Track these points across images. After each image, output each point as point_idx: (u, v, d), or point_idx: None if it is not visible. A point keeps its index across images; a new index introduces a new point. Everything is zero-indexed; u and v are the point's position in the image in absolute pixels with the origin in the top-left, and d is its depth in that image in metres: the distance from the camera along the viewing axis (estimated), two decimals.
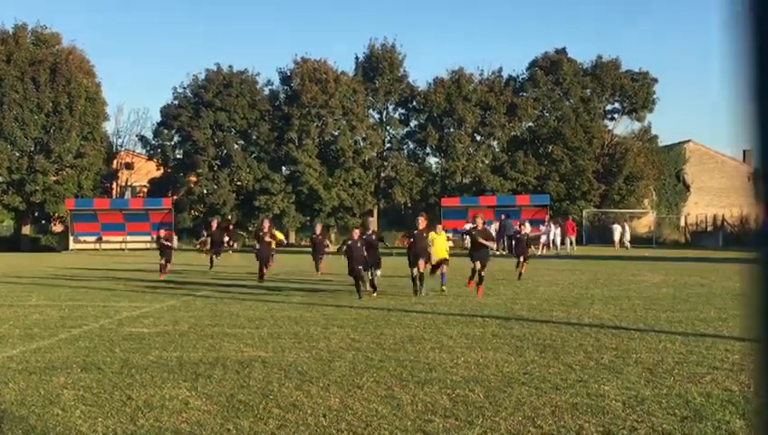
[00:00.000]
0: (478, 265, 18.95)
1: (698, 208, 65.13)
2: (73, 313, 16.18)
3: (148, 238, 48.78)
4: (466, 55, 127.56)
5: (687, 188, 67.19)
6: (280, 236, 28.51)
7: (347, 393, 8.34)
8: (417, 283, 18.89)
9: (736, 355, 10.30)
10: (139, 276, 26.64)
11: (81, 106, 59.57)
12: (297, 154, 59.19)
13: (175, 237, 53.67)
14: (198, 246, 36.30)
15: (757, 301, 0.56)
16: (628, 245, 50.36)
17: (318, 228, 29.31)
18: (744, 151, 71.75)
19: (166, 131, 62.76)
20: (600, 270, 27.98)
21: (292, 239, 60.64)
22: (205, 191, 61.09)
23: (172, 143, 63.48)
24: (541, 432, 6.92)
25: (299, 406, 7.79)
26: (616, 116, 65.70)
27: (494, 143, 63.34)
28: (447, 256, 19.90)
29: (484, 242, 19.56)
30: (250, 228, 28.62)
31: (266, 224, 25.68)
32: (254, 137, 61.45)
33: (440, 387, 8.62)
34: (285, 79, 62.99)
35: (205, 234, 32.32)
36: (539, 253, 41.45)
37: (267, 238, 24.30)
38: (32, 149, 59.44)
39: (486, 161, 62.53)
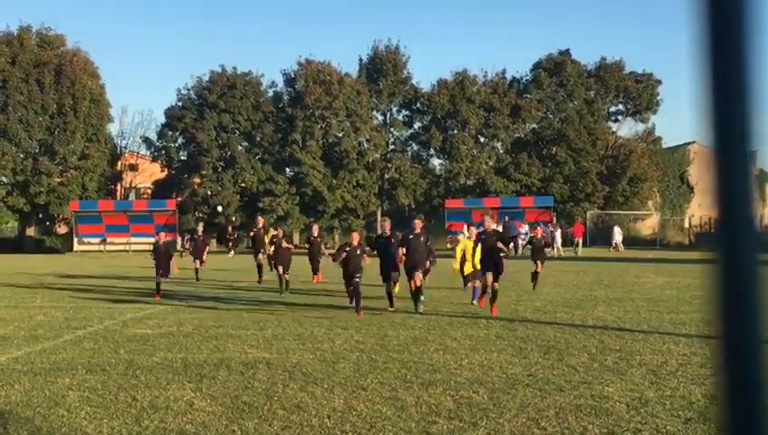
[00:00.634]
0: (489, 277, 15.75)
1: (702, 210, 65.01)
2: (78, 314, 16.22)
3: (153, 240, 48.92)
4: (470, 57, 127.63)
5: (691, 189, 67.10)
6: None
7: (351, 395, 8.36)
8: (416, 297, 16.07)
9: None
10: (143, 277, 26.67)
11: (85, 108, 59.68)
12: (301, 156, 59.23)
13: (178, 238, 53.76)
14: (181, 251, 33.17)
15: (715, 300, 0.57)
16: (621, 247, 50.04)
17: (315, 229, 26.60)
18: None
19: (170, 133, 62.85)
20: (603, 272, 27.96)
21: (296, 241, 60.59)
22: (209, 193, 61.15)
23: (176, 145, 63.56)
24: (545, 434, 6.93)
25: (303, 407, 7.81)
26: (620, 118, 65.71)
27: (498, 145, 63.33)
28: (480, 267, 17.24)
29: (497, 246, 16.12)
30: (252, 232, 26.88)
31: (281, 231, 23.11)
32: (258, 138, 61.50)
33: (444, 388, 8.64)
34: (289, 80, 63.06)
35: (187, 238, 29.07)
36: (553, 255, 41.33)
37: (285, 244, 22.00)
38: (36, 150, 59.55)
39: (490, 163, 62.52)
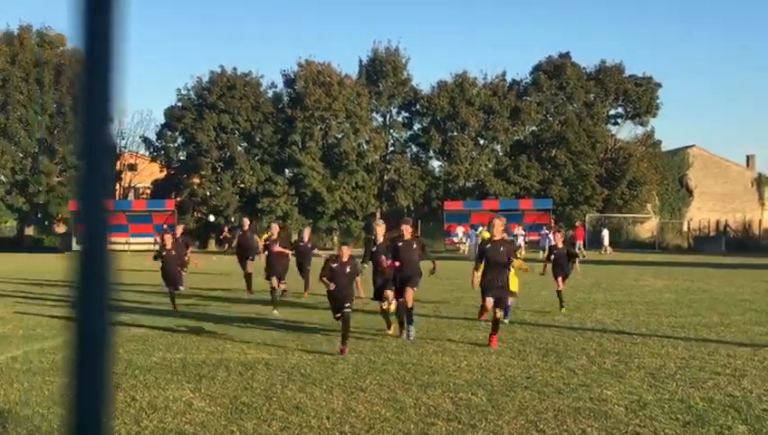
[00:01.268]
0: (489, 303, 11.86)
1: (701, 214, 65.10)
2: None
3: (152, 240, 48.77)
4: (470, 59, 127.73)
5: (690, 193, 67.15)
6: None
7: (350, 396, 8.37)
8: (403, 318, 12.76)
9: (739, 361, 10.31)
10: (141, 278, 26.66)
11: None
12: (300, 157, 59.23)
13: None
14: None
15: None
16: (608, 250, 49.71)
17: (306, 234, 21.83)
18: (748, 157, 71.85)
19: (169, 133, 62.82)
20: (601, 275, 27.96)
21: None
22: (208, 193, 61.12)
23: (175, 145, 63.52)
24: None
25: (302, 408, 7.82)
26: (619, 121, 65.69)
27: (498, 147, 63.34)
28: (517, 289, 14.55)
29: (506, 261, 12.14)
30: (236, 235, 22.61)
31: (275, 230, 19.19)
32: (258, 139, 61.50)
33: (443, 390, 8.65)
34: (289, 81, 63.05)
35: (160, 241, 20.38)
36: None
37: (277, 248, 18.11)
38: (36, 150, 59.54)
39: (489, 165, 62.52)
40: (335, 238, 60.15)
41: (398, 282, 12.87)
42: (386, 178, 63.14)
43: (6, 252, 51.73)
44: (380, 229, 14.03)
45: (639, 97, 62.88)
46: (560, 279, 16.62)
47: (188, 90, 62.80)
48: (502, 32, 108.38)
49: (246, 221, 22.63)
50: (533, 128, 63.29)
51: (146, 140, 65.47)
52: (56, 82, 58.83)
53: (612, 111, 65.24)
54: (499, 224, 12.48)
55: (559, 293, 16.53)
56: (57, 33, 61.44)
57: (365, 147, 61.80)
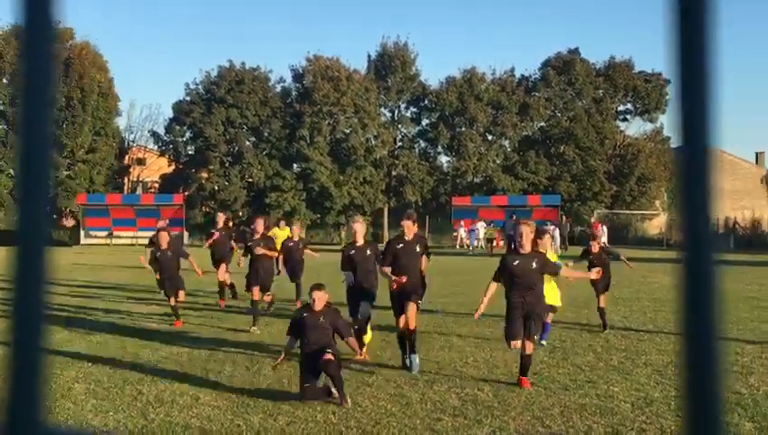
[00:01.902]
0: (516, 344, 8.72)
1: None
2: (85, 306, 16.27)
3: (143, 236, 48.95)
4: (479, 55, 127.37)
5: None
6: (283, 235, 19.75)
7: (356, 391, 8.37)
8: (408, 343, 9.86)
9: (746, 358, 10.28)
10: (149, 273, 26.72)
11: (93, 101, 59.87)
12: (308, 151, 59.25)
13: (185, 234, 53.87)
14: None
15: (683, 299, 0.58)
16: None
17: (295, 230, 18.72)
18: (757, 154, 71.62)
19: (178, 127, 62.90)
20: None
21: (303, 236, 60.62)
22: (216, 188, 61.21)
23: (184, 139, 63.61)
24: (549, 432, 6.94)
25: (308, 403, 7.83)
26: (628, 117, 65.51)
27: (506, 143, 63.22)
28: (558, 303, 12.13)
29: (539, 280, 9.04)
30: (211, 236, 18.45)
31: (259, 225, 14.70)
32: (266, 134, 61.54)
33: (449, 386, 8.65)
34: (297, 76, 63.04)
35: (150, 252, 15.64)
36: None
37: (260, 250, 14.07)
38: None
39: (498, 161, 62.43)
40: (342, 234, 60.18)
41: (396, 296, 9.90)
42: (394, 173, 63.11)
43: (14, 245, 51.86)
44: (359, 227, 10.99)
45: (648, 93, 62.68)
46: (601, 296, 13.07)
47: (197, 84, 62.87)
48: (510, 28, 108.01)
49: (221, 216, 18.77)
50: (542, 124, 63.17)
51: (154, 135, 65.61)
52: (65, 75, 58.96)
53: (621, 108, 65.06)
54: (528, 231, 8.97)
55: (601, 311, 13.06)
56: (65, 26, 61.58)
57: (373, 142, 61.77)
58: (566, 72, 62.07)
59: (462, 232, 47.86)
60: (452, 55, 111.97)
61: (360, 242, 10.80)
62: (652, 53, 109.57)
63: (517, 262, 8.84)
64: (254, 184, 61.16)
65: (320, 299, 8.40)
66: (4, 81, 58.58)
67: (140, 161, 69.72)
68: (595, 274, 11.19)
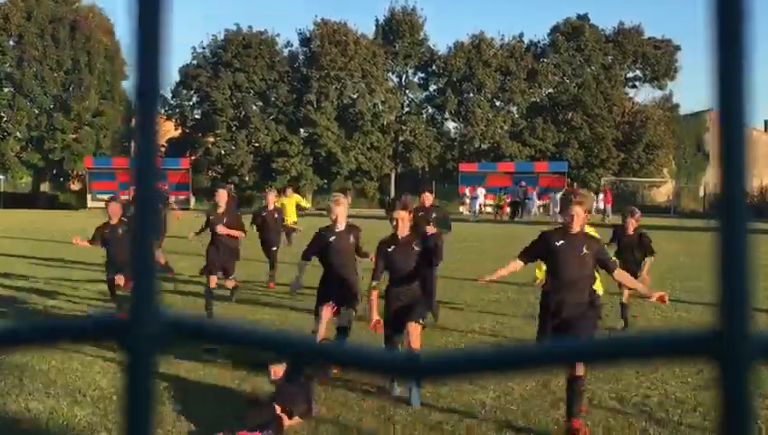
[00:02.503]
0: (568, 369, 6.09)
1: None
2: (95, 268, 16.33)
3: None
4: (487, 20, 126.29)
5: (708, 157, 66.67)
6: (298, 202, 20.70)
7: None
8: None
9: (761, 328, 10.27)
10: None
11: (100, 64, 59.65)
12: (315, 116, 59.08)
13: (192, 198, 53.94)
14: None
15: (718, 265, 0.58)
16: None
17: (270, 198, 16.16)
18: (766, 122, 71.11)
19: (184, 92, 62.74)
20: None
21: (309, 203, 60.63)
22: (222, 152, 61.19)
23: (190, 103, 63.49)
24: (554, 398, 6.98)
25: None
26: (637, 84, 65.07)
27: (514, 109, 62.95)
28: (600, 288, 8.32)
29: (589, 272, 6.73)
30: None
31: (220, 195, 12.12)
32: (273, 98, 61.35)
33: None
34: (305, 41, 62.69)
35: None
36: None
37: (222, 229, 11.84)
38: (51, 106, 59.61)
39: (505, 127, 62.19)
40: (350, 199, 60.13)
41: (392, 313, 7.54)
42: (401, 139, 62.94)
43: (21, 208, 52.07)
44: (338, 209, 8.33)
45: (658, 60, 62.20)
46: (626, 291, 10.49)
47: (203, 48, 62.60)
48: None
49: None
50: (550, 90, 62.82)
51: (161, 98, 65.46)
52: (71, 38, 58.71)
53: (630, 74, 64.60)
54: (581, 213, 6.40)
55: (623, 307, 10.82)
56: None
57: (380, 107, 61.56)
58: (575, 38, 61.58)
59: (467, 199, 47.97)
60: (460, 21, 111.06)
61: (342, 226, 8.29)
62: (662, 19, 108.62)
63: (561, 242, 6.42)
64: (261, 149, 61.08)
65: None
66: (11, 42, 58.34)
67: None
68: (663, 297, 7.00)
